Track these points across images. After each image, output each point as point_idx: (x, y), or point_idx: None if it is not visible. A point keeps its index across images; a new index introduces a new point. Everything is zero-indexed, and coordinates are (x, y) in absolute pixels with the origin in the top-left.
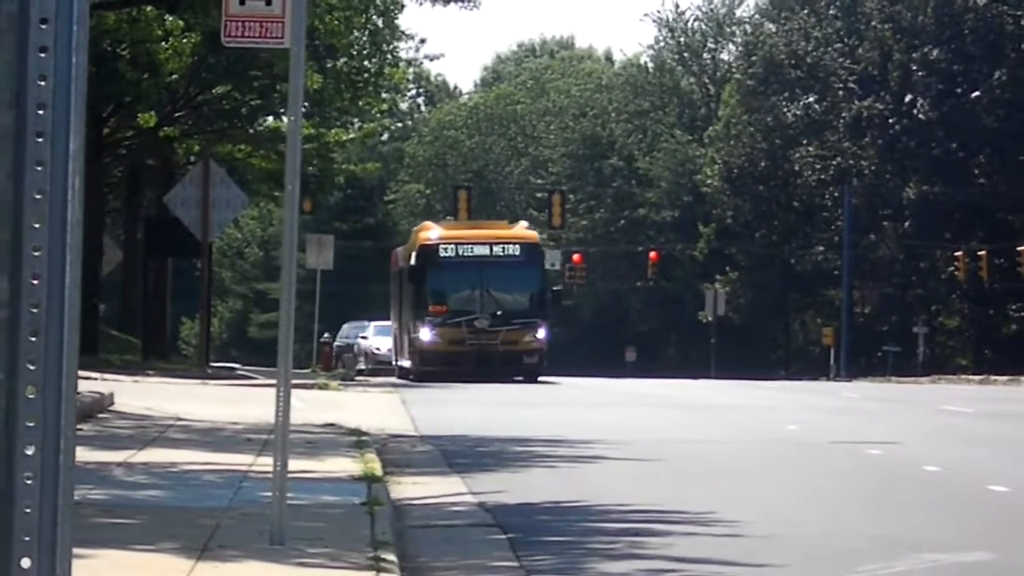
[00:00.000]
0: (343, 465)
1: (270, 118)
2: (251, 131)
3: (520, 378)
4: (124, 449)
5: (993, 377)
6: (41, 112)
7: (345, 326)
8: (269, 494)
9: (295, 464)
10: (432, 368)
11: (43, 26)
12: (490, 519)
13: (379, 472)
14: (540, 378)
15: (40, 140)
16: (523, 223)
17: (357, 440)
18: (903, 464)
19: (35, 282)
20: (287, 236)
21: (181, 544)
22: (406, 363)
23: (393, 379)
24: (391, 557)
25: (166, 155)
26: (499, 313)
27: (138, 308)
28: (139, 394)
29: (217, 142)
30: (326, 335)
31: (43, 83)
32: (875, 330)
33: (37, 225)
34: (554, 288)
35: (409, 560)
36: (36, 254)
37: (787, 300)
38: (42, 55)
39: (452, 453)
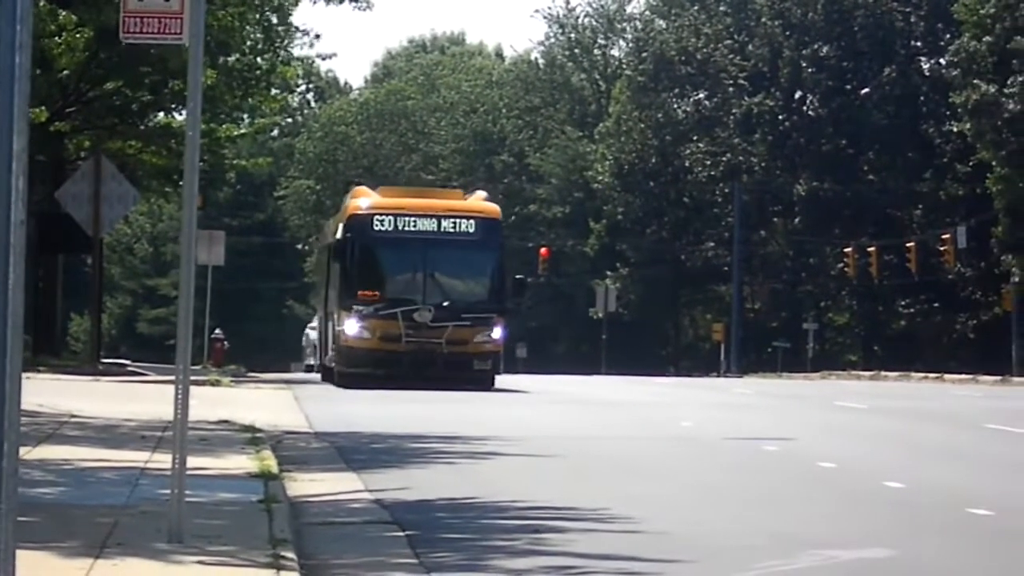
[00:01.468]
0: (239, 462)
1: (161, 114)
2: (142, 127)
3: (469, 387)
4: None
5: (884, 373)
6: None
7: None
8: (166, 491)
9: (191, 461)
10: (358, 370)
11: None
12: (388, 516)
13: (275, 469)
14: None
15: None
16: (481, 193)
17: (252, 437)
18: (799, 460)
19: None
20: (186, 232)
21: (80, 542)
22: (331, 362)
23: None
24: (291, 555)
25: (56, 151)
26: (446, 304)
27: (28, 304)
28: (30, 391)
29: (108, 138)
30: (217, 331)
31: None
32: (765, 326)
33: None
34: (516, 276)
35: (308, 558)
36: None
37: (677, 296)
38: None
39: (347, 450)
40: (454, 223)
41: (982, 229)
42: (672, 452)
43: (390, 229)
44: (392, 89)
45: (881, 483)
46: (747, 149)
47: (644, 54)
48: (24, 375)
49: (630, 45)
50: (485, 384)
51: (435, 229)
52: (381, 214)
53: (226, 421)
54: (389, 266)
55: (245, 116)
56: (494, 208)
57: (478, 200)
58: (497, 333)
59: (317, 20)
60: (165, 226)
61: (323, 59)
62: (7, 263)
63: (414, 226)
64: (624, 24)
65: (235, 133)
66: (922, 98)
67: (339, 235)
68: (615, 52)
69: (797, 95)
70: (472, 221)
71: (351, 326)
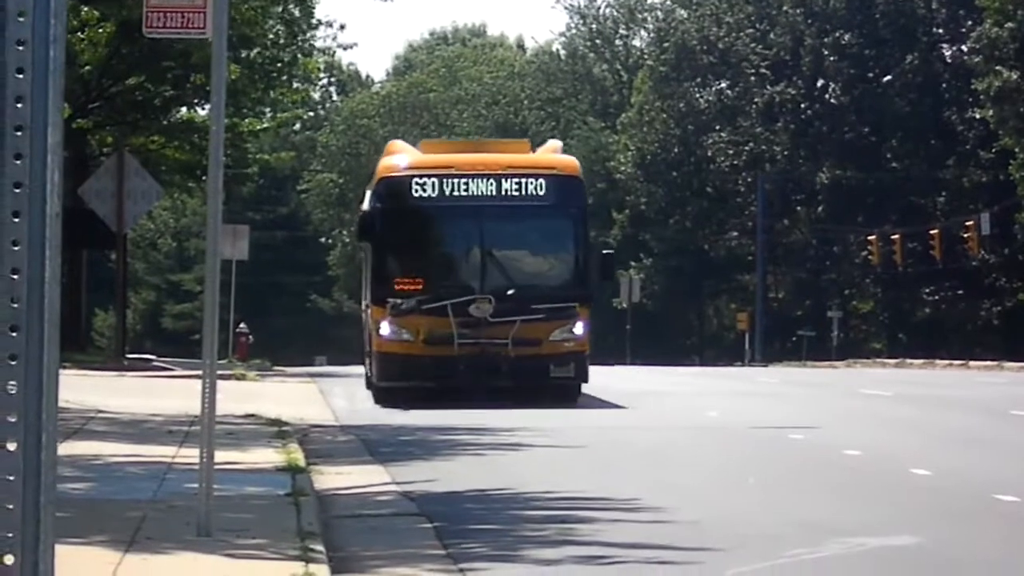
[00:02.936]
0: (266, 456)
1: (184, 109)
2: (165, 122)
3: (547, 402)
4: None
5: (908, 360)
6: (20, 105)
7: None
8: (194, 485)
9: (218, 455)
10: (397, 383)
11: (20, 19)
12: (415, 508)
13: (302, 462)
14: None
15: (19, 133)
16: (554, 143)
17: (278, 430)
18: (825, 448)
19: (15, 276)
20: (211, 227)
21: (109, 536)
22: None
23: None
24: (319, 547)
25: (79, 147)
26: (511, 293)
27: None
28: None
29: (131, 133)
30: (242, 325)
31: (21, 76)
32: (789, 315)
33: (17, 219)
34: (604, 251)
35: (336, 550)
36: (16, 248)
37: (701, 286)
38: (20, 48)
39: (374, 442)
40: (520, 184)
41: (1006, 215)
42: (699, 441)
43: (434, 195)
44: (414, 82)
45: (907, 470)
46: (770, 138)
47: (666, 44)
48: None
49: (651, 35)
50: (567, 396)
51: (495, 193)
52: (422, 175)
53: (252, 415)
54: (434, 244)
55: (267, 110)
56: (572, 162)
57: (550, 152)
58: (580, 328)
59: (338, 13)
60: (188, 221)
61: (344, 49)
62: (43, 256)
63: (466, 190)
64: (645, 14)
65: (258, 127)
66: (944, 85)
67: (367, 206)
68: (636, 42)
69: (819, 83)
70: (543, 180)
71: (385, 326)
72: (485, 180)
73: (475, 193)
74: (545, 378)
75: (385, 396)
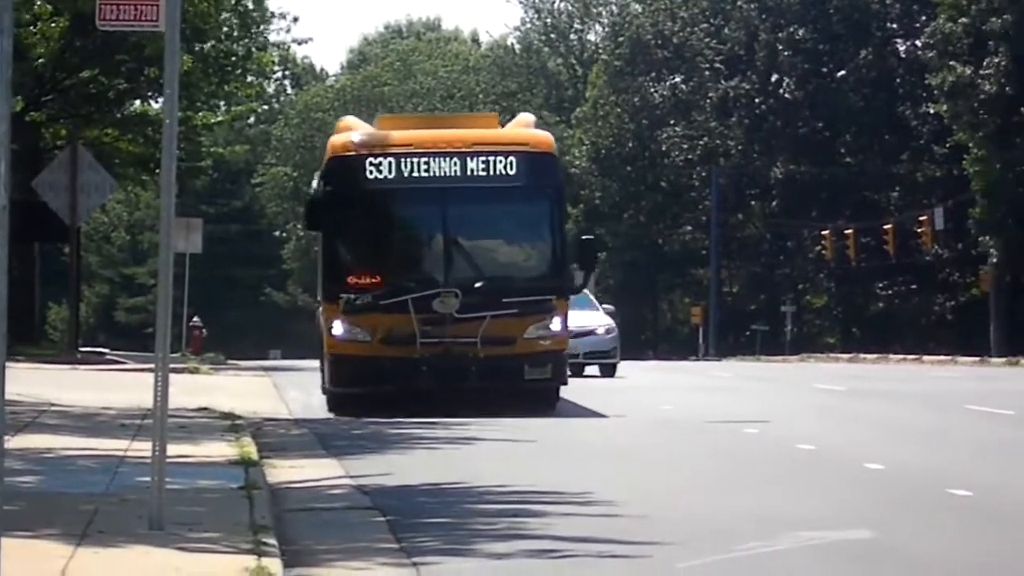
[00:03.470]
0: (219, 449)
1: (137, 102)
2: (119, 115)
3: (523, 409)
4: None
5: (861, 355)
6: None
7: None
8: (146, 479)
9: (170, 449)
10: (351, 388)
11: None
12: (369, 502)
13: (255, 456)
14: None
15: None
16: (526, 116)
17: (231, 424)
18: (779, 443)
19: None
20: (164, 220)
21: (61, 530)
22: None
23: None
24: (272, 541)
25: (33, 140)
26: (480, 285)
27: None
28: (8, 380)
29: (84, 127)
30: (195, 319)
31: None
32: (743, 309)
33: None
34: (583, 236)
35: (289, 544)
36: None
37: (655, 280)
38: None
39: (327, 436)
40: (487, 162)
41: (959, 210)
42: (652, 436)
43: (391, 176)
44: (368, 75)
45: (861, 464)
46: (724, 133)
47: (620, 38)
48: None
49: (606, 29)
50: (546, 400)
51: (459, 173)
52: (377, 154)
53: (205, 408)
54: (392, 232)
55: (221, 103)
56: (546, 138)
57: (522, 127)
58: (558, 324)
59: (291, 5)
60: (142, 214)
61: (299, 44)
62: None
63: (427, 170)
64: (600, 8)
65: (212, 121)
66: (898, 80)
67: (315, 189)
68: (591, 37)
69: (773, 78)
70: (514, 158)
71: (338, 325)
72: (448, 159)
73: (437, 173)
74: (519, 380)
75: (340, 404)
